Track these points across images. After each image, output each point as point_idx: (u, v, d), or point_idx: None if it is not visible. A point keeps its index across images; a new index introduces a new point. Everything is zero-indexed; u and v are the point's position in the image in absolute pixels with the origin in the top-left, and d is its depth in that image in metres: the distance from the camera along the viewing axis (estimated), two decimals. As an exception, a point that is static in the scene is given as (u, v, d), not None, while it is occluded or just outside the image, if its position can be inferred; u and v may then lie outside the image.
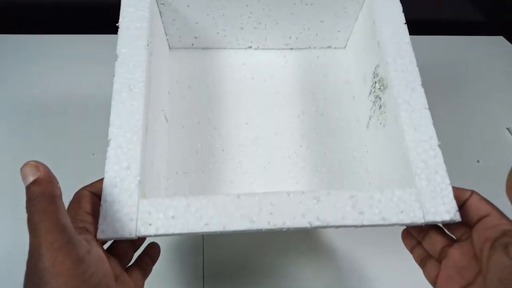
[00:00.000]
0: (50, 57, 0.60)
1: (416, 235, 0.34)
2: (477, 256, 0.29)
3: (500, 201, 0.48)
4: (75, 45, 0.63)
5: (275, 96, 0.44)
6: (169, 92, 0.43)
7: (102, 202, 0.29)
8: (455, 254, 0.30)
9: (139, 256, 0.34)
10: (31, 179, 0.24)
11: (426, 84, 0.60)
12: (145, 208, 0.29)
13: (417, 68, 0.35)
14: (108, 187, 0.29)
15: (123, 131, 0.31)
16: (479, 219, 0.29)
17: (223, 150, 0.41)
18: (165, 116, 0.41)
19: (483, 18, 0.75)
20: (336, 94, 0.44)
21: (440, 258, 0.31)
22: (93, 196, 0.29)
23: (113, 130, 0.31)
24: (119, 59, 0.34)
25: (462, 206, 0.30)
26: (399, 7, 0.38)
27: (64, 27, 0.65)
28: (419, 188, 0.30)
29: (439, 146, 0.32)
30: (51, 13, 0.67)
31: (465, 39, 0.69)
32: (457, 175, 0.50)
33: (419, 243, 0.34)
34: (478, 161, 0.54)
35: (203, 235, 0.39)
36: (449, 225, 0.32)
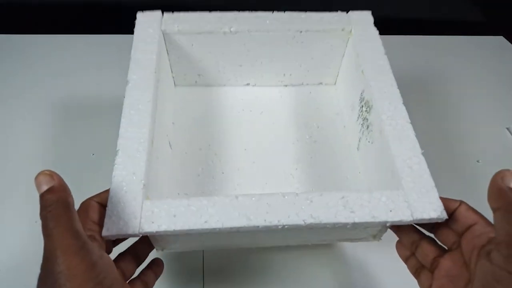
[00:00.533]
0: (51, 57, 0.62)
1: (409, 246, 0.35)
2: (467, 264, 0.30)
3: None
4: (76, 46, 0.64)
5: (271, 126, 0.47)
6: (173, 123, 0.47)
7: (108, 203, 0.31)
8: (446, 263, 0.31)
9: (143, 270, 0.35)
10: (45, 187, 0.26)
11: (426, 83, 0.61)
12: (149, 208, 0.30)
13: (397, 90, 0.39)
14: (114, 190, 0.31)
15: (131, 142, 0.34)
16: (467, 228, 0.30)
17: (223, 173, 0.43)
18: (169, 143, 0.44)
19: (483, 18, 0.74)
20: (328, 124, 0.48)
21: (432, 268, 0.32)
22: (100, 207, 0.31)
23: (121, 142, 0.34)
24: (129, 84, 0.38)
25: (451, 215, 0.32)
26: (379, 42, 0.43)
27: (65, 27, 0.66)
28: (406, 190, 0.32)
29: (423, 154, 0.35)
30: (53, 13, 0.68)
31: (465, 39, 0.69)
32: (457, 174, 0.51)
33: (413, 254, 0.35)
34: (478, 161, 0.54)
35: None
36: (440, 234, 0.33)
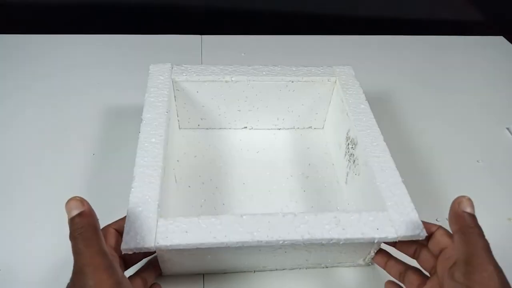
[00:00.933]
0: (51, 57, 0.64)
1: (397, 277, 0.38)
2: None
3: (499, 199, 0.51)
4: (76, 45, 0.66)
5: (267, 163, 0.52)
6: (178, 160, 0.51)
7: (126, 220, 0.34)
8: None
9: None
10: (75, 212, 0.30)
11: (426, 83, 0.62)
12: (163, 225, 0.34)
13: (378, 129, 0.45)
14: (131, 209, 0.35)
15: (145, 169, 0.38)
16: (440, 251, 0.35)
17: (223, 204, 0.47)
18: (175, 177, 0.48)
19: (483, 18, 0.75)
20: (318, 162, 0.53)
21: None
22: (116, 234, 0.35)
23: (138, 169, 0.38)
24: (144, 122, 0.43)
25: (429, 238, 0.36)
26: (361, 90, 0.50)
27: (65, 27, 0.69)
28: (390, 212, 0.37)
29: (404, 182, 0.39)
30: (55, 13, 0.72)
31: (466, 39, 0.70)
32: (457, 174, 0.53)
33: None
34: (478, 161, 0.55)
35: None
36: (421, 259, 0.37)
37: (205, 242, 0.33)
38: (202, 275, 0.42)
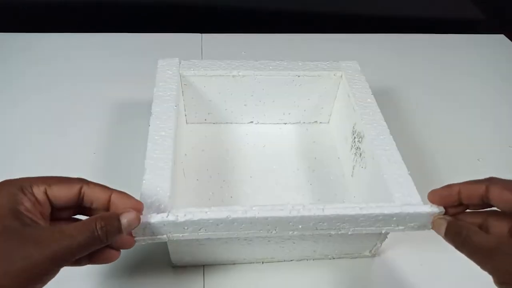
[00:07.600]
0: (52, 56, 0.64)
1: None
2: None
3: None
4: (77, 44, 0.67)
5: (273, 157, 0.53)
6: (185, 155, 0.52)
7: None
8: None
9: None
10: (124, 220, 0.30)
11: (427, 82, 0.63)
12: (174, 215, 0.34)
13: (385, 123, 0.45)
14: (143, 200, 0.35)
15: (156, 162, 0.39)
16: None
17: (231, 197, 0.48)
18: (183, 170, 0.49)
19: (484, 16, 0.75)
20: (324, 155, 0.54)
21: None
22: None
23: (148, 162, 0.39)
24: (153, 115, 0.44)
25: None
26: (367, 84, 0.50)
27: (65, 26, 0.69)
28: (397, 203, 0.37)
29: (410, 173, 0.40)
30: (56, 12, 0.72)
31: (466, 37, 0.71)
32: (458, 172, 0.51)
33: None
34: (478, 160, 0.55)
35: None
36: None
37: (215, 233, 0.34)
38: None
